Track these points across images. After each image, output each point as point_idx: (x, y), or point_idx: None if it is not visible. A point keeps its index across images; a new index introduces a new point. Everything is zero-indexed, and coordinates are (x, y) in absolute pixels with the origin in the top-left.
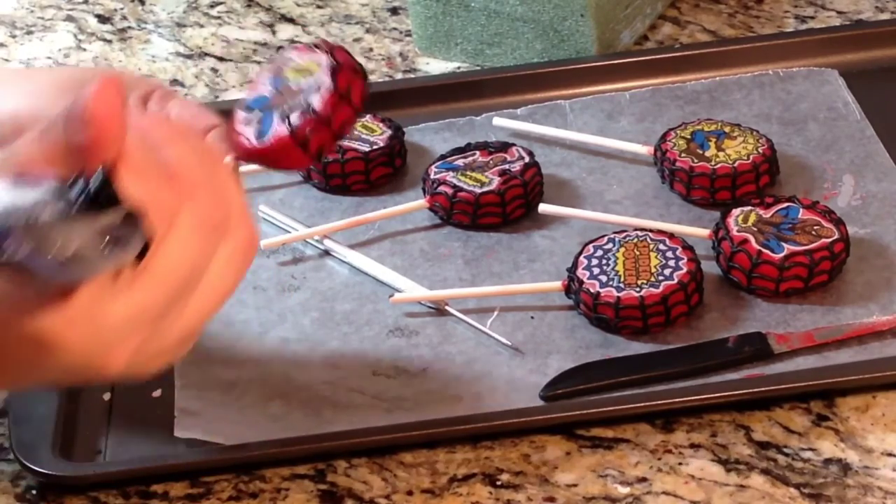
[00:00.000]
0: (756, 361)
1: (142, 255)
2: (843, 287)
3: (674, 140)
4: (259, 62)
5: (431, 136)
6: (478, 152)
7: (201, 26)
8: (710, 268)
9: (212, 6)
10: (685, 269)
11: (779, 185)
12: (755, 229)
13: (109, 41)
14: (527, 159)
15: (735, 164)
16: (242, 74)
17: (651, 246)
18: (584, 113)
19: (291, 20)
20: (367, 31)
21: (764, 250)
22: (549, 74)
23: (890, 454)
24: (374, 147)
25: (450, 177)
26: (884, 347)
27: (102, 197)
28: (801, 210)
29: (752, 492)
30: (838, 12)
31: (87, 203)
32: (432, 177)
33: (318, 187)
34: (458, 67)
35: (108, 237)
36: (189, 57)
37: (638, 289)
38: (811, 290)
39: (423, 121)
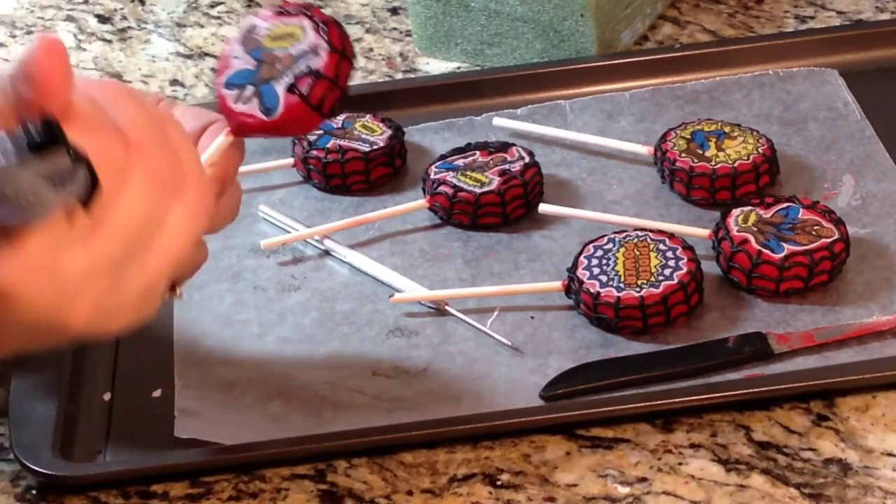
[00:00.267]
0: (756, 361)
1: (89, 201)
2: (843, 287)
3: (674, 140)
4: None
5: (431, 136)
6: (478, 152)
7: (201, 26)
8: (710, 268)
9: (212, 6)
10: (685, 269)
11: (779, 185)
12: (755, 229)
13: (109, 41)
14: (527, 159)
15: (735, 164)
16: None
17: (651, 246)
18: (584, 113)
19: None
20: (367, 31)
21: (764, 250)
22: (549, 74)
23: (890, 454)
24: (374, 147)
25: (450, 177)
26: (884, 347)
27: (48, 143)
28: (801, 210)
29: (752, 492)
30: (838, 12)
31: (32, 149)
32: (432, 177)
33: (318, 187)
34: (458, 67)
35: (53, 179)
36: (189, 57)
37: (638, 289)
38: (811, 290)
39: (423, 121)
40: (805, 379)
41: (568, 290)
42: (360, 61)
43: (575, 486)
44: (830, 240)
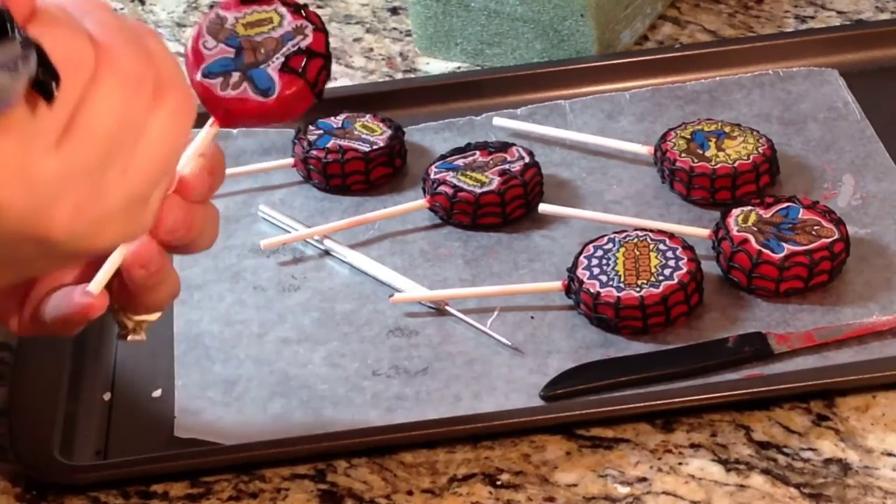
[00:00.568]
0: (756, 361)
1: (43, 90)
2: (843, 287)
3: (674, 140)
4: None
5: (431, 136)
6: (478, 152)
7: None
8: (710, 268)
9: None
10: (685, 269)
11: (779, 185)
12: (755, 229)
13: None
14: (527, 159)
15: (735, 164)
16: None
17: (651, 246)
18: (584, 113)
19: None
20: (367, 31)
21: (764, 250)
22: (549, 74)
23: (890, 454)
24: (374, 147)
25: (450, 177)
26: (884, 347)
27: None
28: (801, 210)
29: (752, 492)
30: (838, 12)
31: None
32: (432, 177)
33: (318, 187)
34: (458, 67)
35: (6, 65)
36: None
37: (638, 289)
38: (811, 290)
39: (423, 121)
40: (805, 379)
41: (568, 290)
42: (360, 61)
43: (575, 486)
44: (830, 240)
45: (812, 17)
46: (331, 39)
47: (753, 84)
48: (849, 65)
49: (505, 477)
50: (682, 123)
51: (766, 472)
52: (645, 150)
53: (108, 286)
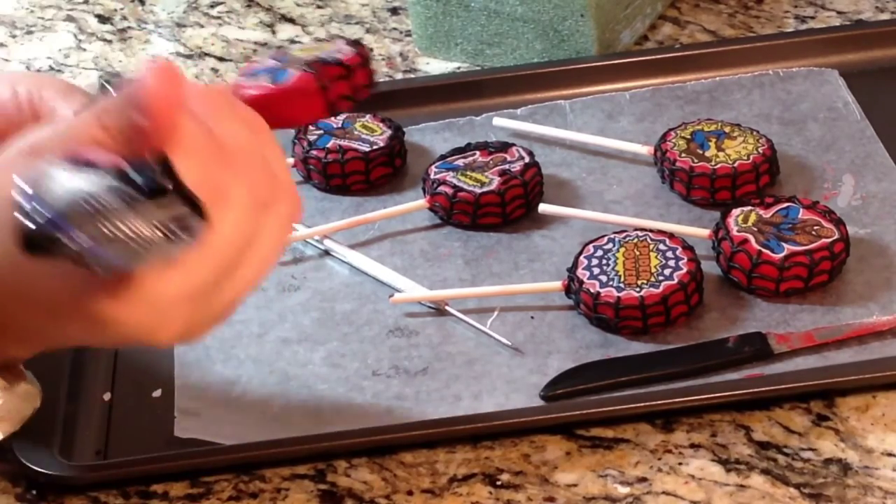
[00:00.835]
0: (756, 361)
1: (195, 236)
2: (843, 287)
3: (674, 140)
4: None
5: (431, 136)
6: (478, 152)
7: (201, 26)
8: (710, 268)
9: (212, 6)
10: (685, 269)
11: (779, 185)
12: (755, 229)
13: (109, 41)
14: (527, 159)
15: (735, 164)
16: None
17: (651, 246)
18: (584, 113)
19: (291, 20)
20: (367, 31)
21: (764, 250)
22: (549, 74)
23: (890, 454)
24: (374, 147)
25: (450, 177)
26: (884, 347)
27: (163, 184)
28: (801, 210)
29: (752, 492)
30: (838, 12)
31: (148, 191)
32: (432, 177)
33: (318, 187)
34: (458, 67)
35: (169, 227)
36: (189, 57)
37: (638, 289)
38: (811, 290)
39: (423, 121)
40: (805, 379)
41: (568, 290)
42: None
43: (575, 486)
44: (830, 240)
45: (812, 17)
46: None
47: (753, 84)
48: (849, 65)
49: (505, 477)
50: (682, 123)
51: (766, 472)
52: (645, 150)
53: None
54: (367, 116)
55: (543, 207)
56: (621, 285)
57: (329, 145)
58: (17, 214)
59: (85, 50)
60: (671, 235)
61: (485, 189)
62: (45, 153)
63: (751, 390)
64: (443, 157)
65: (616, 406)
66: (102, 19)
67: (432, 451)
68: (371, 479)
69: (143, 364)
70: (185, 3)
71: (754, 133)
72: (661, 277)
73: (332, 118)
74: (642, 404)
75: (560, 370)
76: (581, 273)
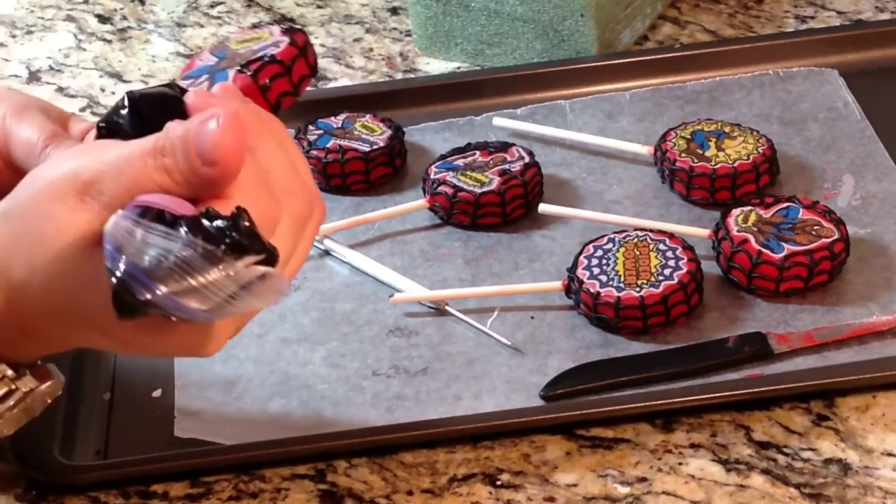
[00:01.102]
0: (756, 361)
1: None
2: (843, 287)
3: (674, 140)
4: None
5: (431, 136)
6: (478, 152)
7: (201, 26)
8: (710, 268)
9: (212, 6)
10: (685, 269)
11: (779, 185)
12: (755, 229)
13: (109, 41)
14: (527, 159)
15: (735, 164)
16: None
17: (651, 246)
18: (584, 113)
19: (291, 20)
20: (367, 31)
21: (764, 250)
22: (549, 74)
23: (890, 454)
24: (374, 147)
25: (450, 177)
26: (884, 347)
27: (241, 238)
28: (801, 210)
29: (752, 492)
30: (838, 12)
31: (229, 244)
32: (432, 177)
33: (318, 187)
34: (458, 67)
35: (248, 278)
36: (189, 57)
37: (638, 289)
38: (811, 290)
39: (423, 121)
40: (805, 379)
41: (568, 290)
42: (360, 61)
43: (575, 486)
44: (830, 240)
45: (812, 17)
46: (330, 39)
47: (753, 84)
48: (849, 65)
49: (505, 477)
50: (682, 123)
51: (766, 472)
52: (645, 150)
53: None
54: (367, 116)
55: (543, 207)
56: (621, 285)
57: (329, 145)
58: (112, 281)
59: (85, 50)
60: (671, 235)
61: (485, 189)
62: (102, 193)
63: (751, 390)
64: (443, 157)
65: (616, 406)
66: (102, 19)
67: (432, 451)
68: (371, 479)
69: (143, 364)
70: (185, 3)
71: (754, 133)
72: (661, 277)
73: (332, 118)
74: (642, 404)
75: (560, 370)
76: (581, 273)
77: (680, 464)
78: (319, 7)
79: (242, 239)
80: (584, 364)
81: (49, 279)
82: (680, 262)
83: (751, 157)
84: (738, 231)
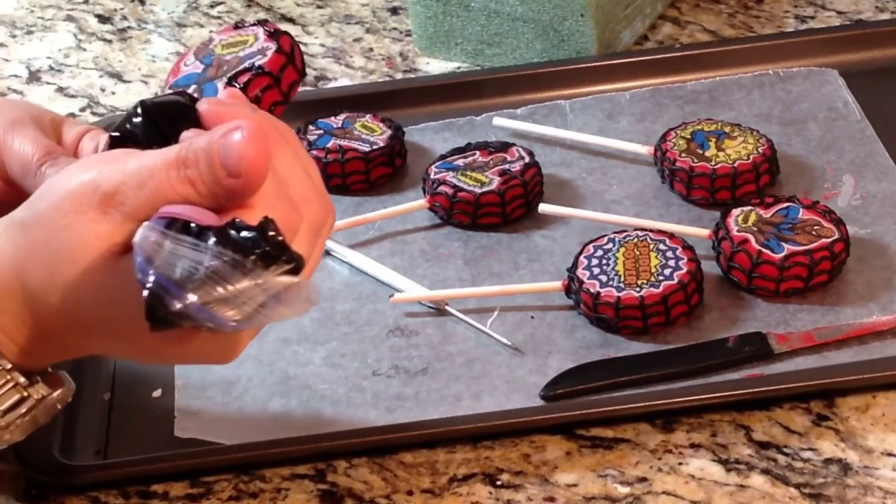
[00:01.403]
0: (756, 361)
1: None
2: (843, 287)
3: (674, 140)
4: None
5: (431, 136)
6: (478, 152)
7: (201, 26)
8: (710, 268)
9: (212, 6)
10: (685, 269)
11: (779, 185)
12: (755, 229)
13: (109, 41)
14: (527, 159)
15: (735, 164)
16: None
17: (651, 246)
18: (584, 113)
19: (291, 20)
20: (367, 31)
21: (764, 250)
22: (549, 74)
23: (890, 454)
24: (374, 147)
25: (450, 177)
26: (884, 347)
27: (269, 248)
28: (801, 210)
29: (752, 492)
30: (838, 12)
31: (259, 255)
32: (432, 177)
33: None
34: (458, 67)
35: (275, 287)
36: None
37: (638, 289)
38: (811, 290)
39: (423, 121)
40: (805, 379)
41: (568, 290)
42: (360, 61)
43: (575, 486)
44: (830, 240)
45: (812, 17)
46: (330, 39)
47: (753, 84)
48: (849, 65)
49: (505, 477)
50: (682, 123)
51: (766, 472)
52: (645, 150)
53: None
54: (367, 116)
55: (543, 207)
56: (621, 285)
57: (329, 145)
58: (143, 293)
59: (85, 50)
60: (671, 235)
61: (485, 189)
62: (123, 204)
63: (751, 390)
64: (443, 157)
65: (616, 406)
66: (102, 19)
67: (432, 451)
68: (371, 479)
69: (143, 364)
70: (185, 3)
71: (754, 133)
72: (661, 277)
73: (332, 118)
74: (642, 404)
75: (560, 370)
76: (581, 273)
77: (680, 464)
78: (319, 7)
79: (271, 249)
80: (584, 364)
81: (70, 289)
82: (680, 262)
83: (751, 157)
84: (738, 231)
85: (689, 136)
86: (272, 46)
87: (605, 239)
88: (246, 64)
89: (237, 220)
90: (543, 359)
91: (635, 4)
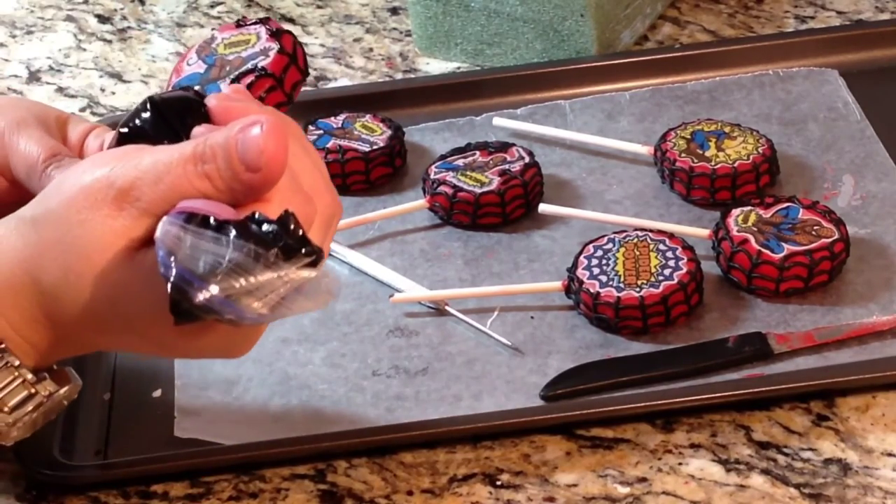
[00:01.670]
0: (756, 361)
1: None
2: (843, 287)
3: (674, 140)
4: None
5: (431, 136)
6: (478, 152)
7: (201, 26)
8: (710, 268)
9: (212, 6)
10: (685, 269)
11: (779, 185)
12: (755, 229)
13: (109, 41)
14: (527, 159)
15: (735, 164)
16: None
17: (651, 246)
18: (584, 113)
19: (291, 20)
20: (367, 31)
21: (764, 250)
22: (549, 74)
23: (890, 454)
24: (374, 147)
25: (450, 177)
26: (884, 347)
27: (290, 240)
28: (801, 210)
29: (752, 492)
30: (838, 12)
31: (281, 248)
32: (432, 177)
33: None
34: (458, 67)
35: (296, 280)
36: None
37: (638, 289)
38: (811, 290)
39: (423, 121)
40: (805, 379)
41: (568, 290)
42: (360, 61)
43: (575, 486)
44: (830, 240)
45: (812, 17)
46: (330, 39)
47: (753, 84)
48: (849, 65)
49: (505, 477)
50: (682, 123)
51: (766, 472)
52: (645, 150)
53: None
54: (367, 116)
55: (543, 207)
56: (621, 285)
57: (329, 145)
58: (168, 287)
59: (85, 50)
60: (671, 235)
61: (485, 189)
62: (139, 200)
63: (751, 390)
64: (443, 157)
65: (616, 406)
66: (102, 19)
67: (432, 451)
68: (371, 479)
69: (143, 364)
70: (185, 3)
71: (754, 133)
72: (661, 277)
73: (332, 118)
74: (642, 404)
75: (560, 370)
76: (581, 273)
77: (680, 464)
78: (319, 7)
79: (293, 242)
80: (584, 364)
81: (86, 285)
82: (680, 262)
83: (751, 157)
84: (738, 231)
85: (689, 137)
86: (274, 47)
87: (605, 239)
88: (249, 65)
89: (257, 213)
90: (543, 359)
91: (635, 4)
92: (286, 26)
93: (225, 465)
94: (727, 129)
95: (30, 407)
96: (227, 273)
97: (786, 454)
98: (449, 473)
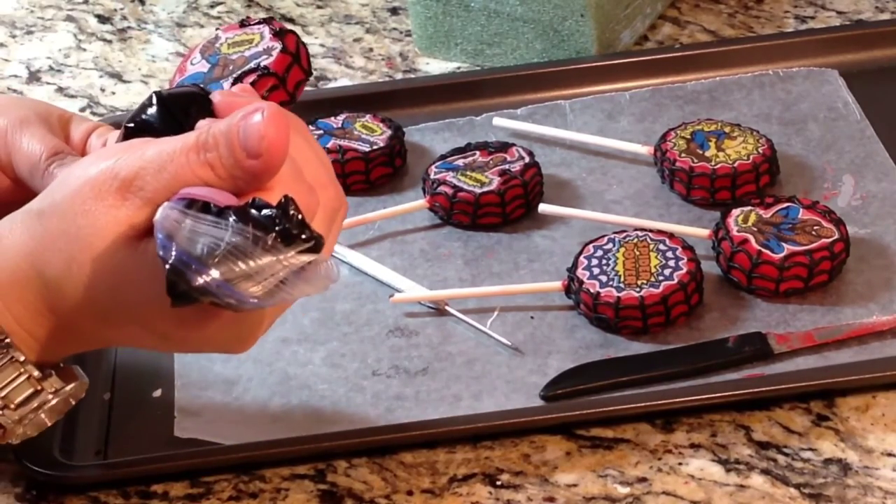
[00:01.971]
0: (756, 361)
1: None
2: (843, 287)
3: (674, 140)
4: None
5: (431, 136)
6: (478, 152)
7: (201, 26)
8: (710, 268)
9: (212, 6)
10: (685, 269)
11: (779, 185)
12: (755, 229)
13: (109, 41)
14: (527, 159)
15: (735, 164)
16: None
17: (651, 246)
18: (584, 113)
19: (291, 20)
20: (367, 31)
21: (764, 250)
22: (549, 74)
23: (890, 454)
24: (374, 147)
25: (450, 177)
26: (884, 347)
27: (290, 226)
28: (801, 210)
29: (752, 492)
30: (838, 12)
31: (280, 233)
32: (432, 177)
33: None
34: (458, 67)
35: (296, 264)
36: None
37: (638, 289)
38: (811, 290)
39: (423, 121)
40: (805, 379)
41: (568, 290)
42: (360, 61)
43: (575, 486)
44: (830, 240)
45: (812, 18)
46: (330, 39)
47: (753, 84)
48: (849, 65)
49: (505, 477)
50: (682, 123)
51: (766, 472)
52: (645, 150)
53: None
54: (367, 116)
55: (543, 207)
56: (621, 285)
57: (329, 145)
58: (165, 269)
59: (85, 50)
60: (671, 235)
61: (485, 189)
62: (142, 189)
63: (751, 390)
64: (443, 157)
65: (616, 406)
66: (102, 19)
67: (432, 451)
68: (371, 479)
69: (143, 364)
70: (185, 3)
71: (754, 133)
72: (661, 277)
73: (332, 118)
74: (642, 404)
75: (560, 370)
76: (581, 273)
77: (680, 464)
78: (319, 7)
79: (291, 227)
80: (584, 364)
81: (89, 275)
82: (680, 262)
83: (751, 157)
84: (738, 231)
85: (689, 137)
86: (277, 46)
87: (605, 239)
88: (252, 64)
89: (257, 199)
90: (543, 359)
91: (635, 4)
92: (286, 26)
93: (225, 465)
94: (727, 129)
95: (35, 403)
96: (226, 256)
97: (786, 454)
98: (449, 473)
